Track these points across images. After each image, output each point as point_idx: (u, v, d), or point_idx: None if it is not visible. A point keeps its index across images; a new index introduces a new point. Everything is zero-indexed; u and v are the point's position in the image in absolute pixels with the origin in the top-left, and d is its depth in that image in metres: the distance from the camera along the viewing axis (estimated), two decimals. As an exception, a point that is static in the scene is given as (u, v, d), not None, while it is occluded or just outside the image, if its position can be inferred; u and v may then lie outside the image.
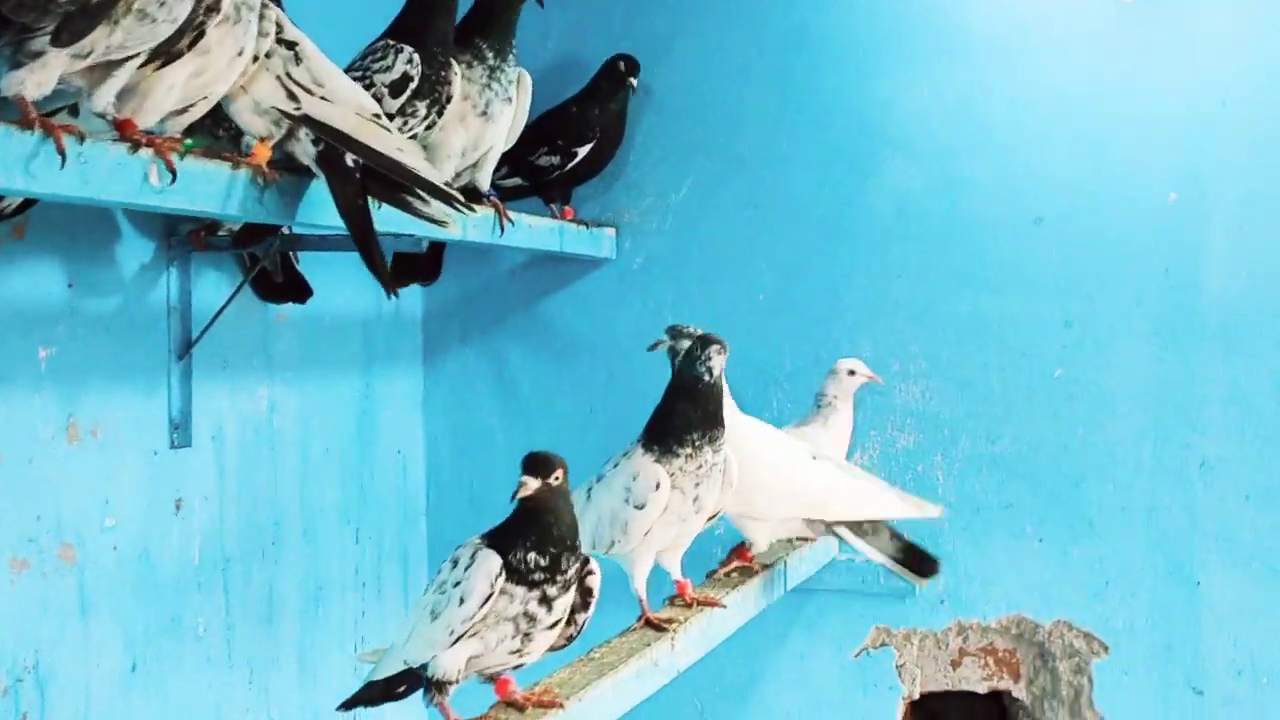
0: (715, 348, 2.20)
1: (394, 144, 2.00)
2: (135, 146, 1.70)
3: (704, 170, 3.31)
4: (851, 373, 2.85)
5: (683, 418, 2.17)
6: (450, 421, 3.56)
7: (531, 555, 1.71)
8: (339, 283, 3.15)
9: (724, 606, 2.35)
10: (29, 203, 2.16)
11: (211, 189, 1.84)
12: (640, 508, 2.13)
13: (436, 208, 2.01)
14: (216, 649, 2.76)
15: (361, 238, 1.99)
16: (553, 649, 1.82)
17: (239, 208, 1.91)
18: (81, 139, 1.60)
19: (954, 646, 3.11)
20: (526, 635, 1.73)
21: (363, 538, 3.28)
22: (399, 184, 1.98)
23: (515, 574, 1.70)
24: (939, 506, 2.54)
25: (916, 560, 2.54)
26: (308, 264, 2.87)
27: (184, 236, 2.60)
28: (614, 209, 3.39)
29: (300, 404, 3.04)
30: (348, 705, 1.91)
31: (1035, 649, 3.04)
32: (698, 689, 3.30)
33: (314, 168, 1.99)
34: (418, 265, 3.07)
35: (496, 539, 1.74)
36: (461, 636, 1.71)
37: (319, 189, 2.04)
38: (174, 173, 1.70)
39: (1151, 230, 2.96)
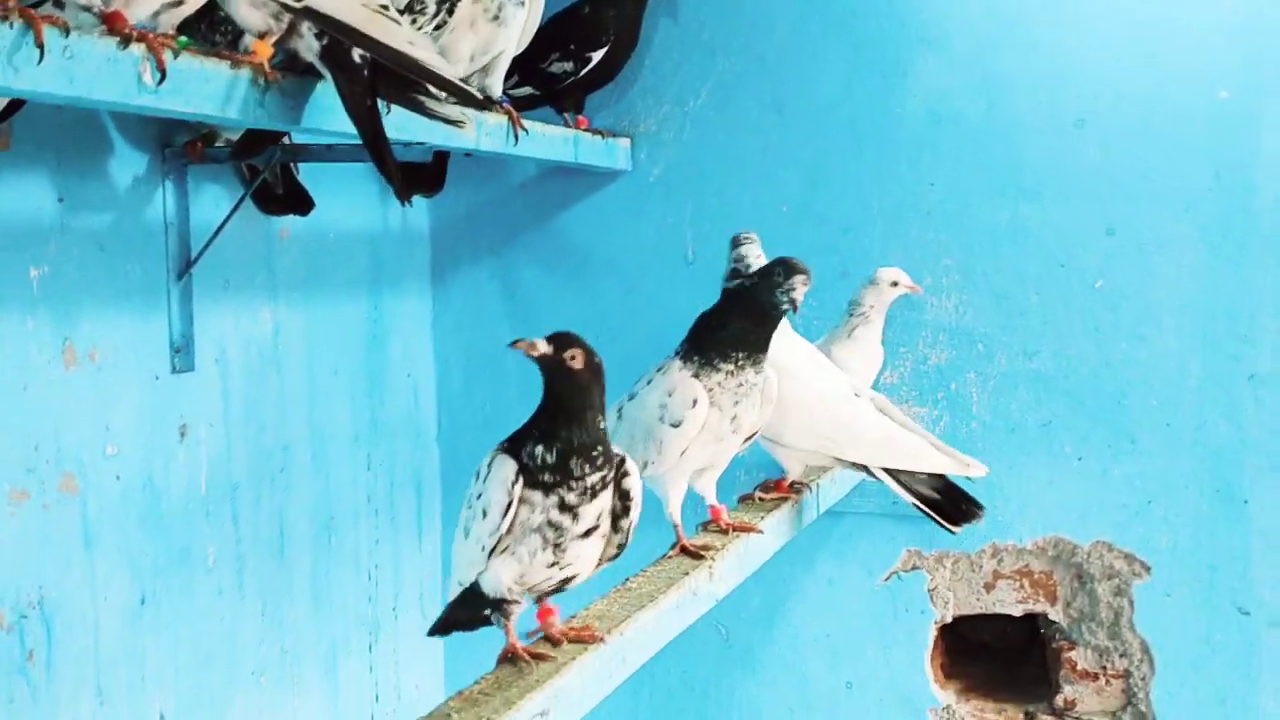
0: (801, 278, 2.05)
1: (405, 37, 1.83)
2: (125, 41, 1.54)
3: (724, 73, 3.14)
4: (894, 284, 2.72)
5: (734, 336, 2.04)
6: (461, 342, 3.43)
7: (539, 450, 1.58)
8: (343, 196, 3.01)
9: (761, 532, 2.24)
10: (14, 106, 2.00)
11: (208, 90, 1.68)
12: (676, 425, 2.00)
13: (451, 107, 1.86)
14: (227, 580, 2.65)
15: (372, 141, 1.84)
16: (609, 559, 1.70)
17: (239, 111, 1.75)
18: (66, 31, 1.45)
19: (988, 569, 3.01)
20: (558, 546, 1.61)
21: (374, 463, 3.17)
22: (410, 82, 1.83)
23: (529, 475, 1.59)
24: (984, 466, 2.39)
25: (951, 504, 2.42)
26: (310, 175, 2.72)
27: (180, 148, 2.45)
28: (629, 117, 3.23)
29: (306, 325, 2.91)
30: (436, 630, 1.80)
31: (1073, 571, 2.94)
32: (722, 613, 3.19)
33: (319, 65, 1.83)
34: (421, 175, 2.92)
35: (514, 441, 1.63)
36: (493, 552, 1.61)
37: (325, 91, 1.88)
38: (164, 71, 1.55)
39: (1201, 131, 2.80)
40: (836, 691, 3.13)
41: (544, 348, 1.62)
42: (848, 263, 3.04)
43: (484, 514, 1.61)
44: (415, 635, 3.30)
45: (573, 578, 1.66)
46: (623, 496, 1.65)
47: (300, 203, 2.64)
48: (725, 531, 2.21)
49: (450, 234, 3.41)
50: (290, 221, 2.78)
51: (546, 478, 1.58)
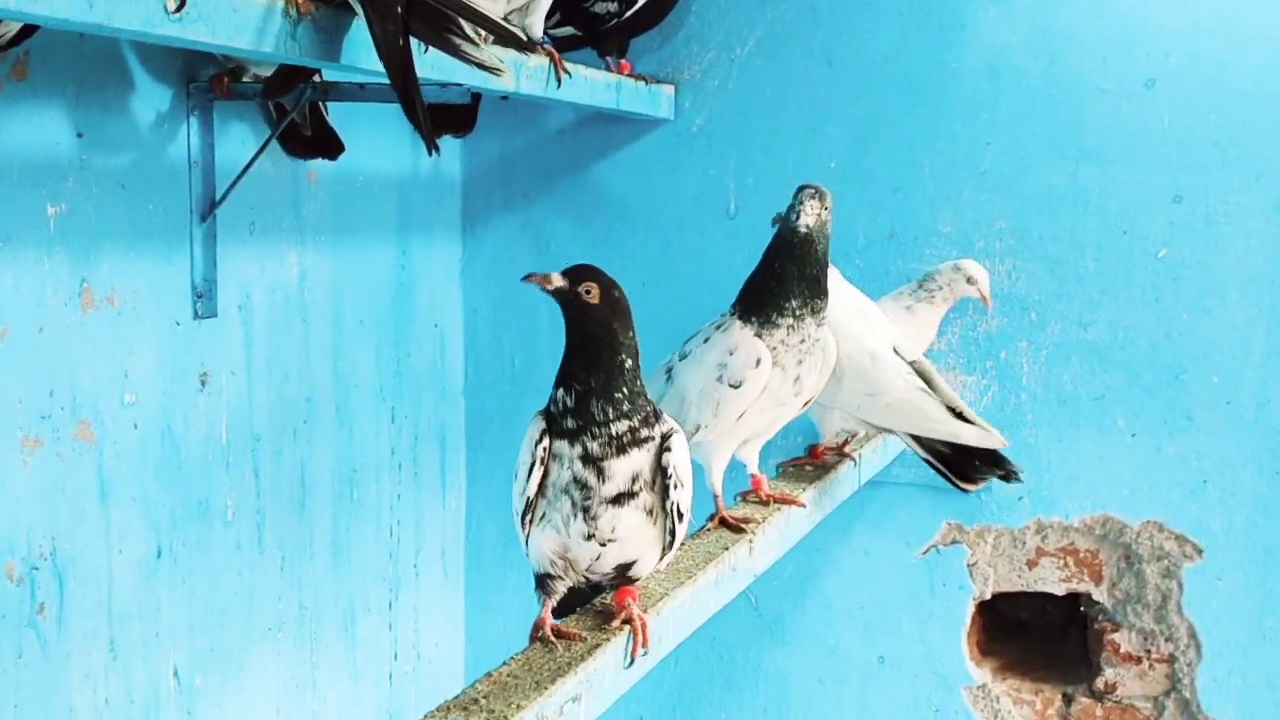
0: (808, 191, 1.97)
1: None
2: (149, -35, 1.43)
3: (773, 21, 3.00)
4: (970, 280, 2.61)
5: (780, 282, 1.93)
6: (490, 294, 3.33)
7: (559, 394, 1.52)
8: (374, 138, 2.90)
9: (803, 505, 2.14)
10: (27, 31, 1.89)
11: (235, 21, 1.57)
12: (737, 386, 1.89)
13: (488, 52, 1.74)
14: (246, 533, 2.57)
15: (402, 85, 1.71)
16: (666, 546, 1.59)
17: (271, 45, 1.64)
18: (84, -47, 1.34)
19: (1031, 546, 2.90)
20: (587, 511, 1.51)
21: (399, 416, 3.08)
22: (446, 24, 1.71)
23: (554, 425, 1.52)
24: (1004, 438, 2.29)
25: (965, 460, 2.30)
26: (340, 117, 2.60)
27: (205, 83, 2.34)
28: (673, 64, 3.09)
29: (333, 272, 2.80)
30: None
31: (1120, 550, 2.83)
32: (753, 582, 3.11)
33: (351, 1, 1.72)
34: (452, 115, 2.80)
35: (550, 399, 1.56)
36: (525, 519, 1.54)
37: (360, 26, 1.77)
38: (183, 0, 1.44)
39: (1277, 95, 2.65)
40: (868, 665, 3.04)
41: (559, 281, 1.55)
42: (896, 223, 2.92)
43: (516, 475, 1.55)
44: (436, 592, 3.23)
45: (631, 564, 1.57)
46: (662, 473, 1.54)
47: (329, 146, 2.53)
48: (765, 503, 2.11)
49: (483, 181, 3.29)
50: (319, 164, 2.67)
51: (569, 423, 1.51)
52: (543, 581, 1.57)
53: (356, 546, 2.92)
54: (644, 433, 1.52)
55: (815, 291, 1.94)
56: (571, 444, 1.50)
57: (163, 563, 2.35)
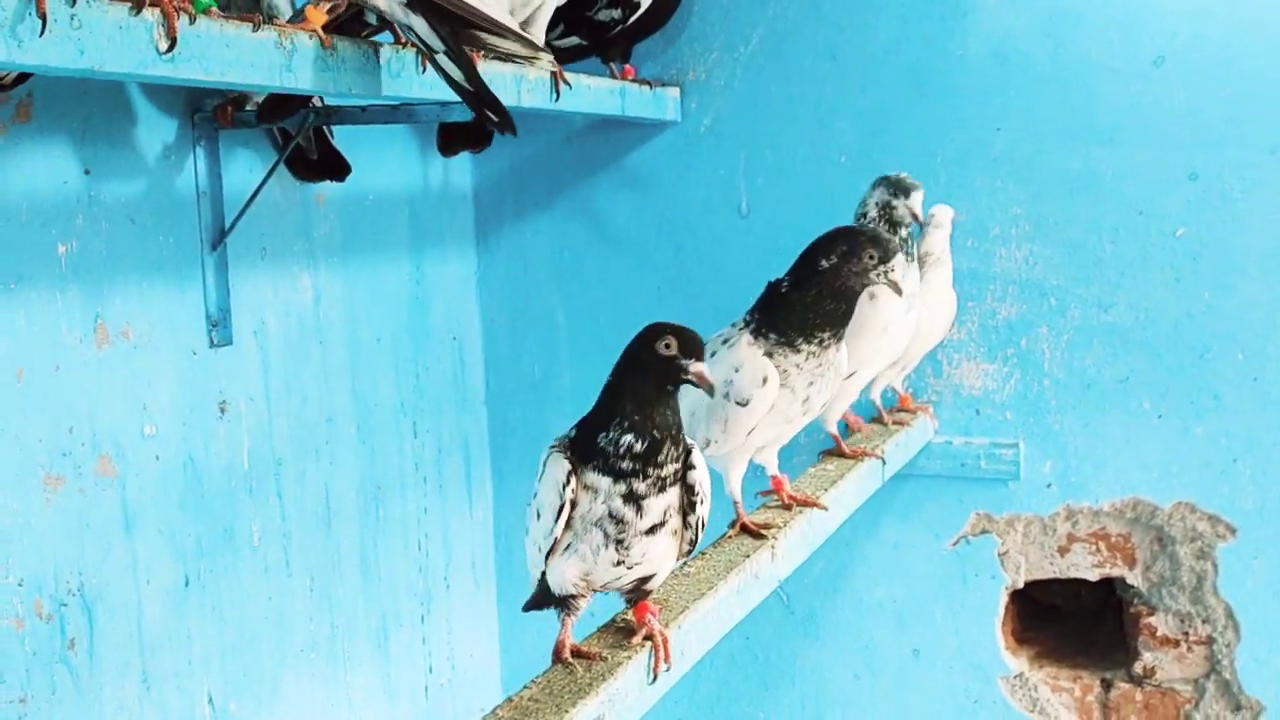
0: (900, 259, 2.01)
1: None
2: (138, 7, 1.44)
3: (775, 18, 2.98)
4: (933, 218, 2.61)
5: (822, 316, 1.90)
6: (507, 304, 3.33)
7: (627, 438, 1.48)
8: (382, 158, 2.91)
9: (825, 508, 2.13)
10: (25, 74, 1.91)
11: (231, 56, 1.57)
12: (743, 404, 1.88)
13: (516, 44, 1.76)
14: (274, 557, 2.58)
15: (475, 77, 1.73)
16: (683, 555, 1.61)
17: (268, 78, 1.65)
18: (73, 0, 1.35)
19: (1062, 532, 2.87)
20: (620, 543, 1.50)
21: (421, 430, 3.08)
22: (471, 26, 1.73)
23: (600, 458, 1.48)
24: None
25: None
26: (346, 138, 2.61)
27: (210, 113, 2.35)
28: (677, 66, 3.08)
29: (347, 291, 2.81)
30: (530, 606, 1.70)
31: (1152, 533, 2.80)
32: (784, 580, 3.10)
33: (401, 15, 1.73)
34: (469, 131, 2.80)
35: (582, 428, 1.52)
36: (550, 553, 1.53)
37: (353, 55, 1.79)
38: (174, 39, 1.45)
39: (1291, 67, 2.62)
40: (903, 659, 3.02)
41: (704, 369, 1.53)
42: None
43: (538, 515, 1.53)
44: (468, 604, 3.24)
45: (650, 577, 1.57)
46: (689, 491, 1.54)
47: (336, 168, 2.54)
48: (788, 506, 2.10)
49: (494, 192, 3.29)
50: (327, 186, 2.68)
51: (625, 465, 1.48)
52: (564, 602, 1.56)
53: (385, 563, 2.93)
54: (680, 467, 1.53)
55: (846, 322, 1.94)
56: (616, 481, 1.48)
57: (191, 591, 2.36)
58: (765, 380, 1.87)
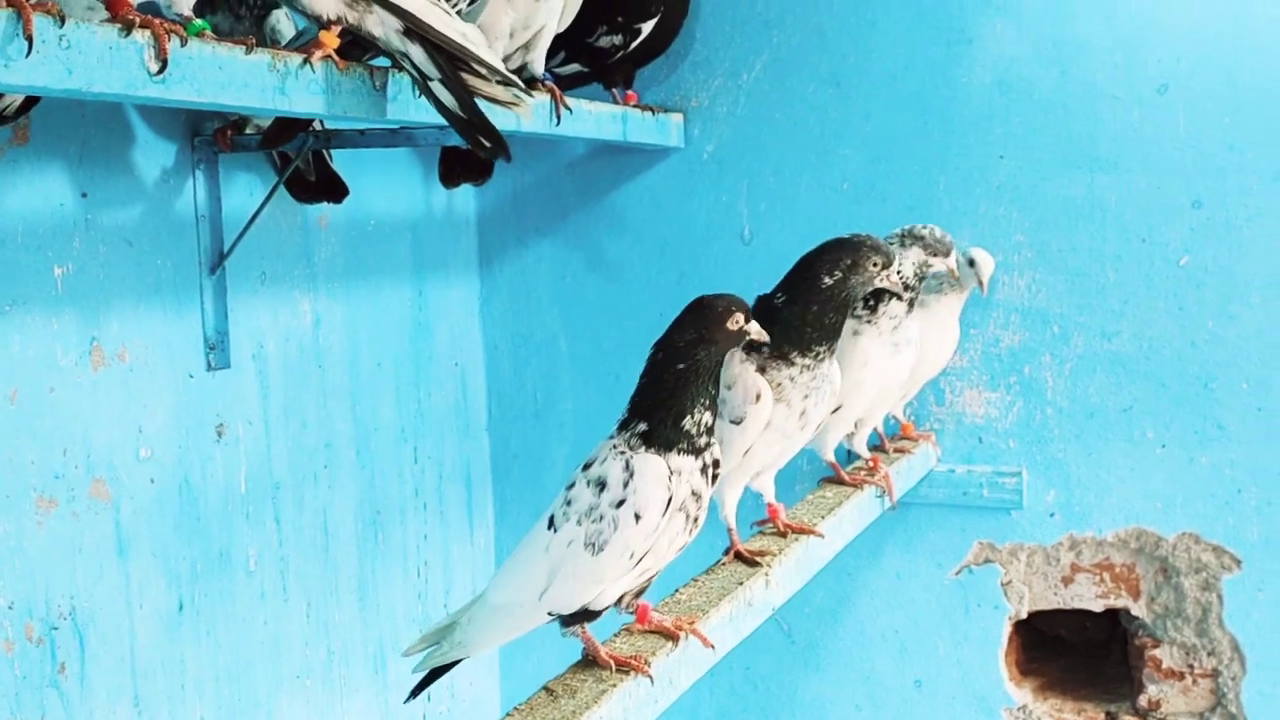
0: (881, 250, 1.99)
1: (459, 29, 1.77)
2: (128, 28, 1.44)
3: (779, 45, 2.98)
4: (972, 264, 2.60)
5: (820, 329, 1.90)
6: (510, 330, 3.32)
7: (706, 416, 1.55)
8: (384, 182, 2.91)
9: (821, 535, 2.11)
10: (30, 102, 1.92)
11: (223, 78, 1.57)
12: (737, 422, 1.86)
13: (498, 88, 1.77)
14: (270, 582, 2.57)
15: (469, 102, 1.75)
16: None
17: (262, 100, 1.65)
18: (62, 20, 1.35)
19: (1065, 562, 2.85)
20: (696, 521, 1.57)
21: (421, 457, 3.07)
22: (459, 64, 1.75)
23: (685, 441, 1.54)
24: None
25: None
26: (349, 162, 2.61)
27: (209, 137, 2.35)
28: (681, 92, 3.08)
29: (348, 316, 2.81)
30: (418, 692, 1.69)
31: (1157, 564, 2.77)
32: (785, 608, 3.04)
33: (398, 43, 1.74)
34: (469, 162, 2.80)
35: (650, 417, 1.54)
36: (645, 556, 1.54)
37: (350, 79, 1.79)
38: (165, 60, 1.45)
39: (1294, 94, 2.61)
40: (905, 690, 2.99)
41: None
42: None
43: (636, 518, 1.51)
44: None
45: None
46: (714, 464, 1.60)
47: (335, 190, 2.54)
48: (783, 534, 2.08)
49: (497, 218, 3.29)
50: (328, 210, 2.69)
51: (703, 441, 1.56)
52: (592, 615, 1.57)
53: (384, 589, 2.91)
54: None
55: (839, 334, 1.95)
56: (696, 458, 1.55)
57: (185, 616, 2.35)
58: (759, 397, 1.86)
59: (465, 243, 3.26)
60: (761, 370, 1.88)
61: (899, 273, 2.20)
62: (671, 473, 1.52)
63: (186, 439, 2.36)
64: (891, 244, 2.29)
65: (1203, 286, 2.70)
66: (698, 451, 1.55)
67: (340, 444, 2.78)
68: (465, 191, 3.24)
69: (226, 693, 2.44)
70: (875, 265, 1.94)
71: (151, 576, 2.28)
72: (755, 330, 1.64)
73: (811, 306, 1.90)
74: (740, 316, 1.60)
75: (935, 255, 2.36)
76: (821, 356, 1.91)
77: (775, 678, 3.12)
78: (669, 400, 1.54)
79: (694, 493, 1.54)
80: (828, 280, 1.91)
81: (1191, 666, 2.77)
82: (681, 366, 1.55)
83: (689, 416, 1.53)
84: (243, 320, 2.48)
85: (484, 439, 3.34)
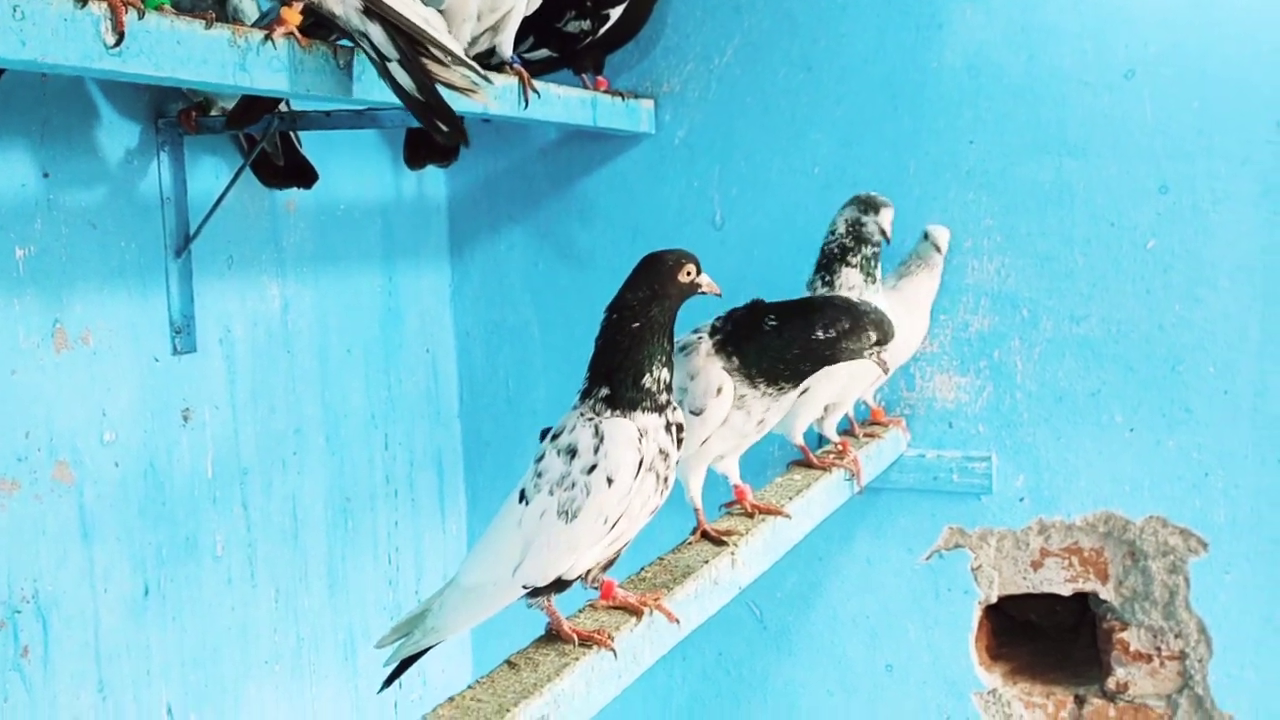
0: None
1: (421, 13, 1.77)
2: (84, 0, 1.43)
3: (750, 29, 2.98)
4: (926, 237, 2.64)
5: (793, 371, 1.89)
6: (482, 317, 3.31)
7: (665, 373, 1.56)
8: (354, 167, 2.90)
9: (788, 516, 2.11)
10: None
11: (182, 53, 1.56)
12: (697, 414, 1.86)
13: (456, 72, 1.76)
14: (238, 568, 2.56)
15: (428, 84, 1.74)
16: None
17: (221, 75, 1.64)
18: (15, -12, 1.34)
19: (1035, 547, 2.86)
20: (666, 480, 1.58)
21: (392, 443, 3.06)
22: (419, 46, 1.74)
23: (648, 399, 1.54)
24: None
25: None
26: (318, 147, 2.60)
27: (174, 118, 2.33)
28: (651, 78, 3.08)
29: (317, 302, 2.80)
30: (390, 682, 1.68)
31: (1125, 548, 2.79)
32: (755, 594, 3.09)
33: (357, 22, 1.74)
34: (434, 143, 2.79)
35: (610, 380, 1.55)
36: (618, 520, 1.54)
37: (312, 56, 1.78)
38: (122, 33, 1.44)
39: (1260, 79, 2.61)
40: (876, 674, 3.00)
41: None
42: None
43: (609, 482, 1.51)
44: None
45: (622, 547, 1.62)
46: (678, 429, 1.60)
47: (304, 175, 2.53)
48: (750, 515, 2.08)
49: (468, 203, 3.28)
50: (297, 194, 2.67)
51: (663, 399, 1.56)
52: (561, 586, 1.56)
53: (354, 576, 2.90)
54: None
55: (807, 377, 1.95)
56: (659, 415, 1.56)
57: (151, 600, 2.34)
58: (720, 390, 1.86)
59: (436, 228, 3.25)
60: (726, 372, 1.87)
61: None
62: (640, 434, 1.52)
63: (152, 423, 2.34)
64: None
65: (1170, 270, 2.71)
66: (660, 409, 1.55)
67: (309, 430, 2.77)
68: (436, 177, 3.23)
69: (193, 677, 2.43)
70: (869, 339, 1.91)
71: (116, 560, 2.26)
72: (706, 282, 1.65)
73: (794, 349, 1.87)
74: (691, 268, 1.62)
75: (866, 213, 2.36)
76: (785, 391, 1.91)
77: (747, 663, 3.12)
78: (626, 361, 1.54)
79: (662, 451, 1.55)
80: (820, 335, 1.89)
81: (1159, 649, 2.78)
82: (637, 325, 1.55)
83: (648, 374, 1.54)
84: (209, 304, 2.47)
85: (456, 426, 3.33)
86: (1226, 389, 2.68)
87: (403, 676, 3.05)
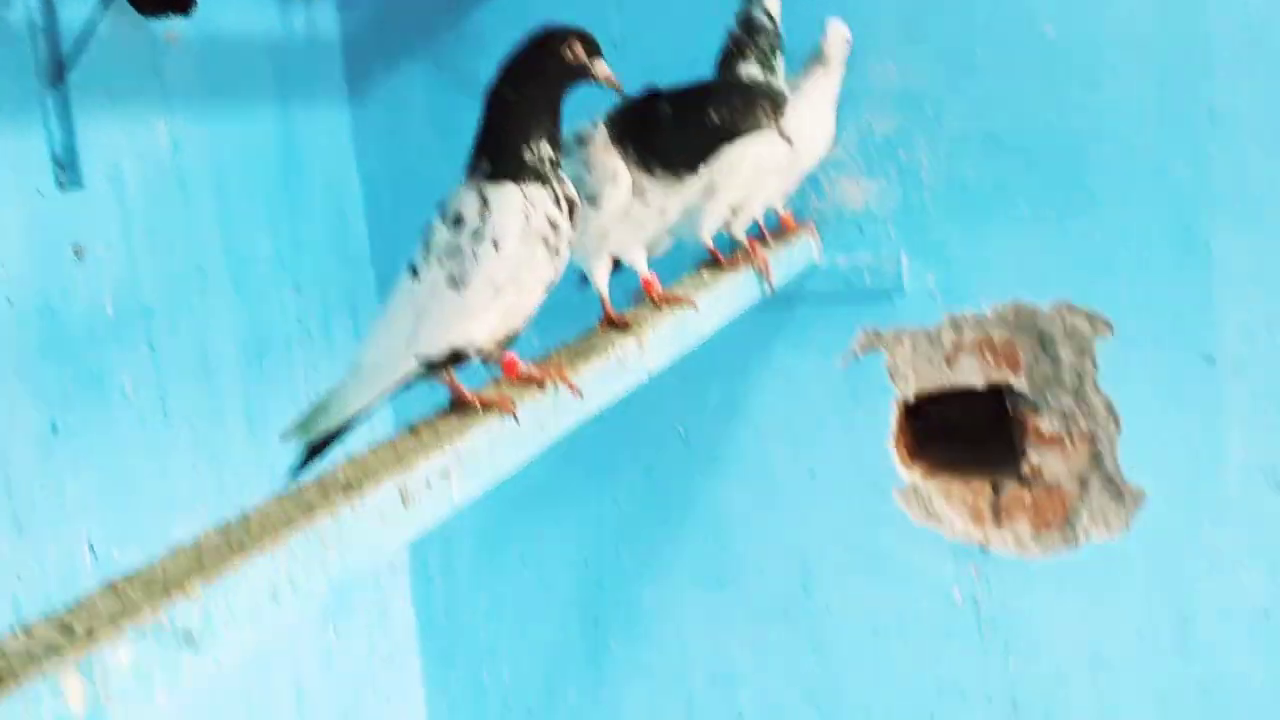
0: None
1: None
2: None
3: None
4: (824, 35, 2.56)
5: (691, 155, 1.86)
6: (388, 159, 3.25)
7: (547, 148, 1.52)
8: (237, 2, 2.79)
9: (695, 307, 2.11)
10: None
11: None
12: (594, 202, 1.84)
13: None
14: (149, 408, 2.53)
15: None
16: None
17: None
18: None
19: (948, 342, 2.90)
20: (557, 252, 1.54)
21: (304, 286, 3.02)
22: None
23: (530, 173, 1.51)
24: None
25: None
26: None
27: (35, -61, 2.23)
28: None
29: (209, 141, 2.72)
30: (301, 467, 1.66)
31: (1034, 336, 2.83)
32: (680, 413, 3.12)
33: None
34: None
35: (491, 154, 1.52)
36: (509, 288, 1.52)
37: None
38: None
39: None
40: (800, 480, 3.05)
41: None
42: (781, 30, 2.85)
43: (495, 246, 1.48)
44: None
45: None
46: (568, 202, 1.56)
47: (179, 2, 2.43)
48: (658, 306, 2.08)
49: (363, 39, 3.19)
50: (178, 26, 2.58)
51: (549, 173, 1.53)
52: (458, 358, 1.55)
53: (273, 415, 2.87)
54: None
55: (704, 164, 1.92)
56: (546, 187, 1.52)
57: (60, 439, 2.30)
58: (616, 175, 1.84)
59: (330, 67, 3.17)
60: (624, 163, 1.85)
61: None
62: (526, 200, 1.49)
63: (43, 260, 2.28)
64: None
65: (1069, 57, 2.71)
66: (545, 181, 1.52)
67: (214, 271, 2.72)
68: (327, 14, 3.14)
69: (113, 516, 2.41)
70: (765, 111, 1.90)
71: (18, 397, 2.22)
72: (603, 72, 1.60)
73: (691, 134, 1.86)
74: (579, 48, 1.56)
75: (752, 1, 2.32)
76: (683, 178, 1.88)
77: (676, 482, 3.16)
78: (503, 135, 1.52)
79: (551, 222, 1.52)
80: (715, 120, 1.87)
81: (1070, 431, 2.85)
82: (512, 99, 1.52)
83: (526, 148, 1.51)
84: (92, 139, 2.39)
85: (369, 271, 3.29)
86: (1127, 170, 2.71)
87: (346, 608, 3.05)
